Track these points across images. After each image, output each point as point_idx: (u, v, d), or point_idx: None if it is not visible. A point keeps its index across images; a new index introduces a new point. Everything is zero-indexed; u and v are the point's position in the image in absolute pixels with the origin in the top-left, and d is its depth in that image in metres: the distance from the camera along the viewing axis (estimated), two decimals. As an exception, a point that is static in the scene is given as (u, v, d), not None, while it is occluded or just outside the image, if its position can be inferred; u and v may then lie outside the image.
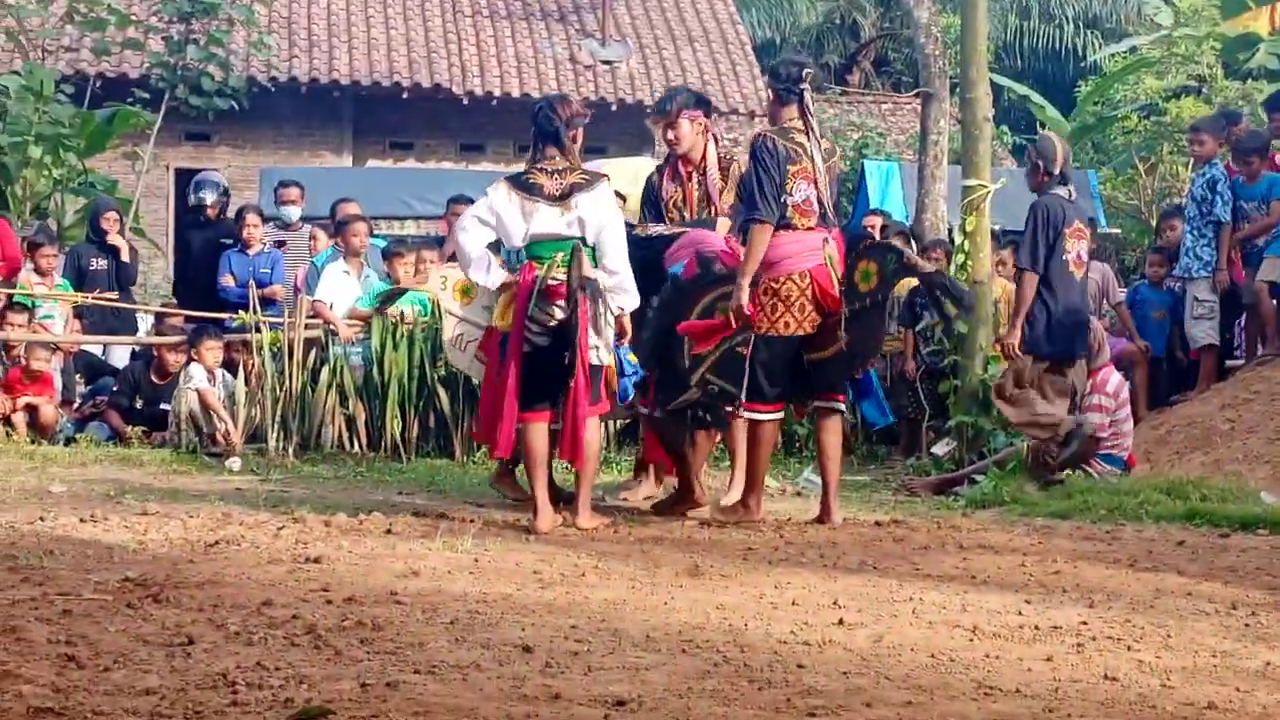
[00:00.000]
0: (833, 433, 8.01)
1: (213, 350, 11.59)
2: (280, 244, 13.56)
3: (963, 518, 8.51)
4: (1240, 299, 12.16)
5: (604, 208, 7.65)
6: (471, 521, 7.54)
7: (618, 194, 13.42)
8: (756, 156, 7.69)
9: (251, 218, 13.31)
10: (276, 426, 11.07)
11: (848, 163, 19.84)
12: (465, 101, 22.84)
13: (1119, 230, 17.60)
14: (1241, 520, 8.15)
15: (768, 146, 7.69)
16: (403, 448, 11.03)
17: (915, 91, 16.81)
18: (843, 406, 8.15)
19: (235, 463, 10.47)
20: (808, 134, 7.81)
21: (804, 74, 7.84)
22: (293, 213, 13.82)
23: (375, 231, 13.75)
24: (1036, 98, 26.65)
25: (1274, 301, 11.64)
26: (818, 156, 7.76)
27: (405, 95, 23.16)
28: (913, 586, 5.85)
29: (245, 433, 11.29)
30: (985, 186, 10.55)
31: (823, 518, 7.92)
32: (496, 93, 22.98)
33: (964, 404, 10.55)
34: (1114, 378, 10.06)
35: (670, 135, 8.39)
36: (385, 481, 9.83)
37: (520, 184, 7.64)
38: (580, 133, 7.83)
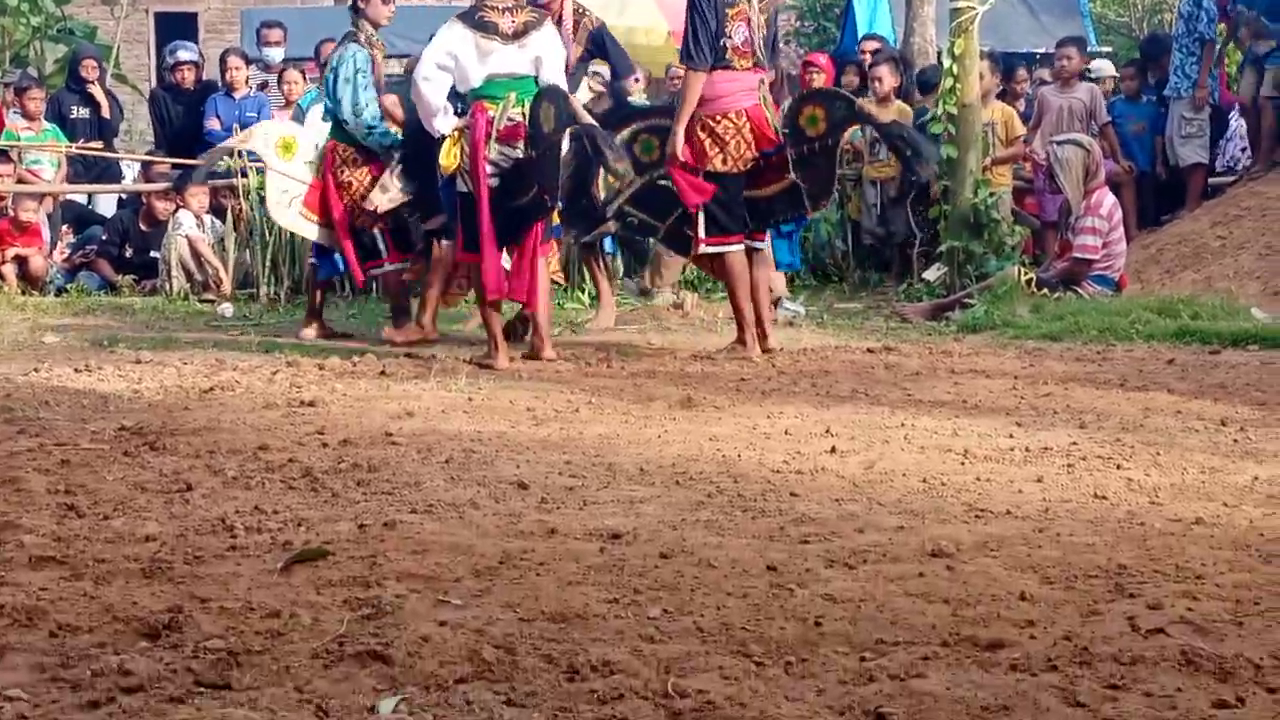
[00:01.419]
0: (759, 265, 8.11)
1: (199, 196, 11.52)
2: (264, 85, 13.41)
3: (954, 343, 8.54)
4: (1225, 115, 12.13)
5: (556, 45, 7.74)
6: (466, 361, 7.58)
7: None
8: (694, 3, 7.74)
9: (234, 60, 13.15)
10: (267, 271, 11.04)
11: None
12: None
13: (1110, 48, 17.40)
14: (1232, 337, 8.20)
15: None
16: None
17: (901, -88, 16.46)
18: (764, 245, 8.25)
19: (227, 308, 10.47)
20: None
21: None
22: (276, 54, 13.62)
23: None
24: (1025, -86, 26.21)
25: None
26: None
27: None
28: (904, 413, 5.88)
29: (236, 278, 11.27)
30: (973, 7, 10.41)
31: (764, 343, 7.98)
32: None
33: (954, 229, 10.53)
34: (1108, 199, 10.04)
35: None
36: (379, 322, 9.83)
37: (475, 22, 7.59)
38: None
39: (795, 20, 21.27)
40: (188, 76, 13.37)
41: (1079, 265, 9.91)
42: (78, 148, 12.97)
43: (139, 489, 4.36)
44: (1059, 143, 10.36)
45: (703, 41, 7.69)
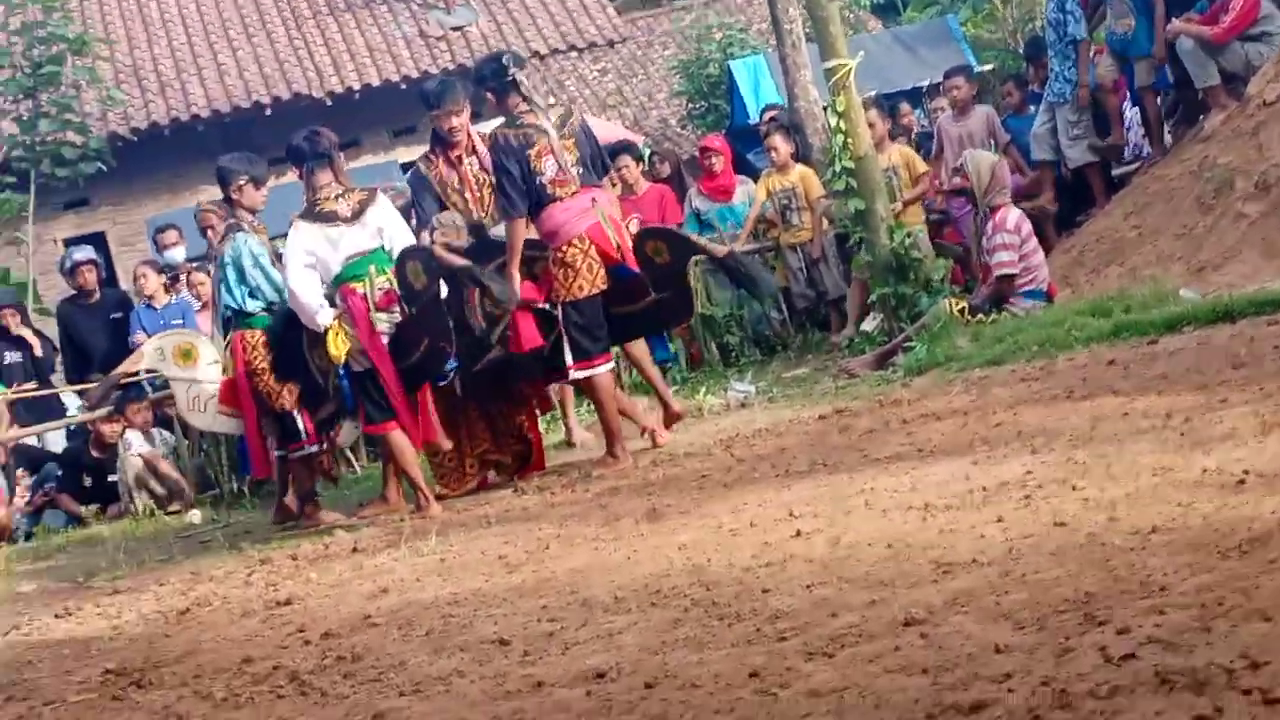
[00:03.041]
0: (637, 344, 8.72)
1: (141, 412, 11.57)
2: (174, 281, 13.41)
3: (903, 389, 8.62)
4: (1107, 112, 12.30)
5: (392, 214, 8.26)
6: (433, 518, 7.63)
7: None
8: (495, 158, 8.20)
9: (141, 269, 13.19)
10: (226, 468, 11.09)
11: (716, 66, 19.86)
12: (329, 102, 22.60)
13: (991, 65, 17.62)
14: (1166, 323, 8.29)
15: (499, 144, 8.17)
16: (352, 458, 11.07)
17: (763, -20, 16.73)
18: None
19: (195, 515, 10.48)
20: (534, 112, 8.23)
21: (504, 65, 8.27)
22: (177, 254, 13.67)
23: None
24: (883, -49, 26.60)
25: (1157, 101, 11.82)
26: (550, 129, 8.16)
27: (268, 112, 22.93)
28: (863, 476, 5.95)
29: (197, 482, 11.30)
30: (845, 64, 10.59)
31: (669, 416, 8.69)
32: (356, 86, 22.79)
33: (880, 276, 10.65)
34: (1012, 214, 10.14)
35: (455, 122, 8.84)
36: (344, 497, 9.86)
37: (316, 215, 8.11)
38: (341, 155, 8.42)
39: (687, 103, 21.55)
40: (89, 277, 13.27)
41: (1002, 283, 10.03)
42: (13, 393, 12.97)
43: (132, 732, 4.37)
44: (970, 153, 10.57)
45: (511, 191, 8.12)
